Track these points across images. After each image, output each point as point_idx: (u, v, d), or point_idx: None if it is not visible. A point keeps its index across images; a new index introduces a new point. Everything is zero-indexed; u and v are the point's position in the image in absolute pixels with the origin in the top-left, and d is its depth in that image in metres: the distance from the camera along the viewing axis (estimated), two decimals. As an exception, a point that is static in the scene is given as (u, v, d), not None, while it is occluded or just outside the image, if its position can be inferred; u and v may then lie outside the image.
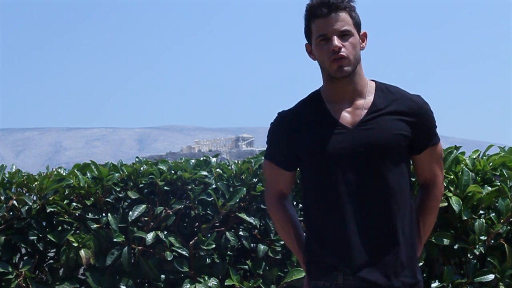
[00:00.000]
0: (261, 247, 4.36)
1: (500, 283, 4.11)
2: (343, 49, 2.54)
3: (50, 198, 4.41)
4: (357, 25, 2.60)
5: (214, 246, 4.35)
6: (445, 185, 4.14)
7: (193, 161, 4.59)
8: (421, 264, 4.10)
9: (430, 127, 2.64)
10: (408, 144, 2.60)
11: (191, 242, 4.41)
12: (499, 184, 4.17)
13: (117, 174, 4.47)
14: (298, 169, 2.72)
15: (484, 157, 4.37)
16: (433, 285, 4.10)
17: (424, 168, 2.67)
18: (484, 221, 4.09)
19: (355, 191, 2.54)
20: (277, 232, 2.80)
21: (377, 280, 2.52)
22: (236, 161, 4.62)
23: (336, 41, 2.54)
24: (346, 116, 2.59)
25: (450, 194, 4.09)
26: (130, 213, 4.35)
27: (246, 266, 4.44)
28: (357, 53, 2.58)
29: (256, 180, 4.44)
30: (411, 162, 2.69)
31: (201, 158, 4.63)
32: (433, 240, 4.07)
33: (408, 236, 2.59)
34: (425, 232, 2.71)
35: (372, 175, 2.54)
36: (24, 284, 4.31)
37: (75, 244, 4.32)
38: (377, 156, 2.54)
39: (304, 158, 2.62)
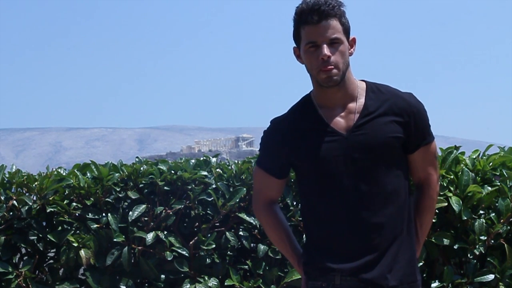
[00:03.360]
0: (261, 247, 4.36)
1: (500, 283, 4.11)
2: (332, 58, 2.52)
3: (50, 198, 4.41)
4: (347, 31, 2.57)
5: (214, 246, 4.35)
6: (445, 185, 4.15)
7: (193, 161, 4.59)
8: (421, 264, 4.10)
9: (423, 126, 2.62)
10: (402, 145, 2.59)
11: (191, 242, 4.41)
12: (499, 184, 4.17)
13: (117, 174, 4.47)
14: (291, 173, 2.71)
15: (484, 157, 4.37)
16: (433, 285, 4.10)
17: (417, 167, 2.66)
18: (484, 221, 4.09)
19: (351, 196, 2.54)
20: (269, 237, 2.80)
21: (374, 279, 2.52)
22: (236, 161, 4.62)
23: (326, 49, 2.51)
24: (339, 122, 2.58)
25: (450, 194, 4.09)
26: (130, 213, 4.35)
27: (246, 266, 4.44)
28: (346, 61, 2.56)
29: (256, 180, 4.44)
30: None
31: (201, 158, 4.63)
32: (433, 240, 4.07)
33: (405, 236, 2.59)
34: (422, 233, 2.71)
35: (368, 179, 2.54)
36: (24, 284, 4.31)
37: (75, 244, 4.31)
38: (372, 160, 2.54)
39: (300, 165, 2.62)
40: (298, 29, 2.57)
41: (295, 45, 2.62)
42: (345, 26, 2.56)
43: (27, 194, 4.43)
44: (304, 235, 4.26)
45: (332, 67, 2.52)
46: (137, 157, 4.72)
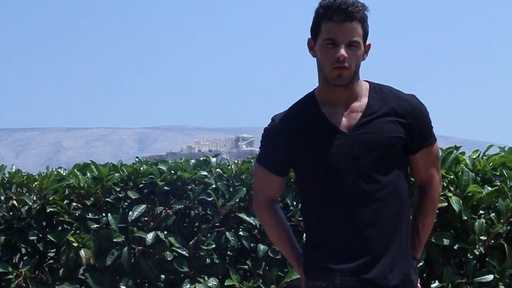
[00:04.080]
0: (261, 247, 4.36)
1: (500, 283, 4.11)
2: (347, 59, 2.52)
3: (50, 198, 4.41)
4: (365, 36, 2.57)
5: (214, 246, 4.35)
6: (445, 185, 4.15)
7: (193, 161, 4.59)
8: (421, 264, 4.10)
9: (425, 128, 2.62)
10: (403, 145, 2.59)
11: (191, 242, 4.41)
12: (499, 184, 4.17)
13: (117, 174, 4.47)
14: (292, 171, 2.71)
15: (484, 157, 4.37)
16: (433, 285, 4.10)
17: (419, 168, 2.66)
18: (484, 221, 4.09)
19: (351, 194, 2.54)
20: (269, 237, 2.78)
21: (374, 279, 2.52)
22: (236, 161, 4.62)
23: (343, 50, 2.51)
24: (341, 120, 2.58)
25: (450, 194, 4.09)
26: (130, 213, 4.35)
27: (246, 266, 4.44)
28: (358, 64, 2.57)
29: (256, 180, 4.44)
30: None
31: (201, 158, 4.63)
32: (433, 240, 4.07)
33: (404, 236, 2.59)
34: (424, 233, 2.70)
35: (369, 178, 2.54)
36: (24, 284, 4.31)
37: (75, 244, 4.31)
38: (373, 159, 2.54)
39: (300, 163, 2.61)
40: (320, 23, 2.56)
41: (310, 37, 2.61)
42: (365, 31, 2.56)
43: (27, 194, 4.43)
44: (304, 235, 4.26)
45: (346, 67, 2.52)
46: (137, 157, 4.72)
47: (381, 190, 2.54)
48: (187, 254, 4.38)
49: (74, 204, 4.44)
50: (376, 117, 2.57)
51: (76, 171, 4.50)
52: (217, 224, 4.45)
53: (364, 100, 2.60)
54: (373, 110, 2.58)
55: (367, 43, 2.60)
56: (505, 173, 4.21)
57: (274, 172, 2.68)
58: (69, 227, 4.42)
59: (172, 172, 4.48)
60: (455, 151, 4.22)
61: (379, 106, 2.59)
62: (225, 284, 4.33)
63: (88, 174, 4.51)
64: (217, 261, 4.41)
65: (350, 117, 2.58)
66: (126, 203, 4.51)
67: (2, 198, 4.39)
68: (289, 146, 2.62)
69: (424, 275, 4.20)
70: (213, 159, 4.63)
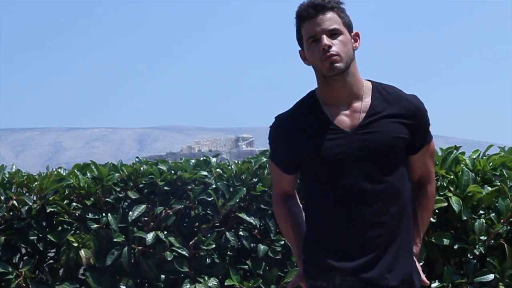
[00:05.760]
0: (261, 247, 4.36)
1: (500, 283, 4.11)
2: (333, 47, 2.54)
3: (50, 198, 4.41)
4: (347, 25, 2.59)
5: (214, 246, 4.35)
6: (445, 185, 4.15)
7: (193, 161, 4.59)
8: (421, 264, 4.10)
9: (425, 127, 2.65)
10: (406, 146, 2.60)
11: (191, 242, 4.41)
12: (499, 184, 4.17)
13: (117, 174, 4.47)
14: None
15: (484, 157, 4.37)
16: (433, 285, 4.10)
17: (419, 166, 2.68)
18: (484, 221, 4.09)
19: (354, 194, 2.54)
20: (279, 228, 2.83)
21: (373, 279, 2.52)
22: (236, 161, 4.62)
23: (326, 40, 2.54)
24: (344, 120, 2.58)
25: (450, 194, 4.09)
26: (130, 213, 4.35)
27: (246, 266, 4.44)
28: (349, 51, 2.57)
29: (256, 180, 4.44)
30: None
31: (201, 158, 4.63)
32: (433, 240, 4.07)
33: (405, 237, 2.59)
34: (423, 228, 2.74)
35: (371, 178, 2.54)
36: (24, 284, 4.31)
37: (75, 244, 4.31)
38: (376, 160, 2.54)
39: (303, 163, 2.62)
40: (299, 28, 2.61)
41: (300, 49, 2.64)
42: (344, 19, 2.58)
43: (27, 194, 4.43)
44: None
45: (334, 54, 2.53)
46: (137, 157, 4.72)
47: (384, 190, 2.54)
48: (187, 254, 4.38)
49: (74, 204, 4.44)
50: (380, 117, 2.57)
51: (76, 171, 4.50)
52: (217, 224, 4.45)
53: (367, 100, 2.60)
54: (377, 110, 2.58)
55: (354, 31, 2.62)
56: (505, 173, 4.21)
57: (283, 170, 2.71)
58: (69, 227, 4.42)
59: (172, 172, 4.48)
60: (455, 151, 4.22)
61: (382, 106, 2.59)
62: (225, 284, 4.33)
63: (88, 174, 4.51)
64: (217, 261, 4.41)
65: (353, 117, 2.59)
66: (126, 203, 4.51)
67: (2, 198, 4.39)
68: (293, 147, 2.62)
69: (424, 275, 4.20)
70: (213, 159, 4.63)
